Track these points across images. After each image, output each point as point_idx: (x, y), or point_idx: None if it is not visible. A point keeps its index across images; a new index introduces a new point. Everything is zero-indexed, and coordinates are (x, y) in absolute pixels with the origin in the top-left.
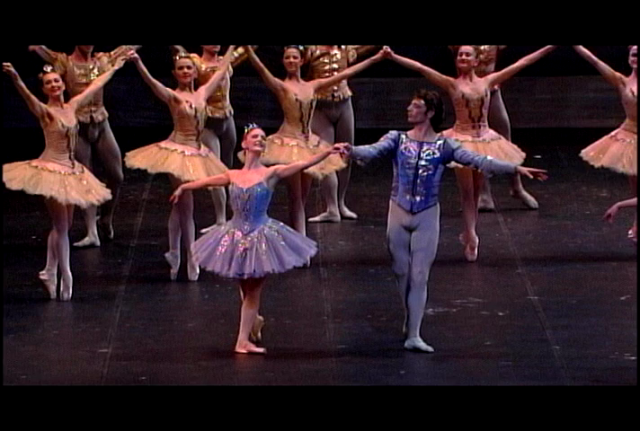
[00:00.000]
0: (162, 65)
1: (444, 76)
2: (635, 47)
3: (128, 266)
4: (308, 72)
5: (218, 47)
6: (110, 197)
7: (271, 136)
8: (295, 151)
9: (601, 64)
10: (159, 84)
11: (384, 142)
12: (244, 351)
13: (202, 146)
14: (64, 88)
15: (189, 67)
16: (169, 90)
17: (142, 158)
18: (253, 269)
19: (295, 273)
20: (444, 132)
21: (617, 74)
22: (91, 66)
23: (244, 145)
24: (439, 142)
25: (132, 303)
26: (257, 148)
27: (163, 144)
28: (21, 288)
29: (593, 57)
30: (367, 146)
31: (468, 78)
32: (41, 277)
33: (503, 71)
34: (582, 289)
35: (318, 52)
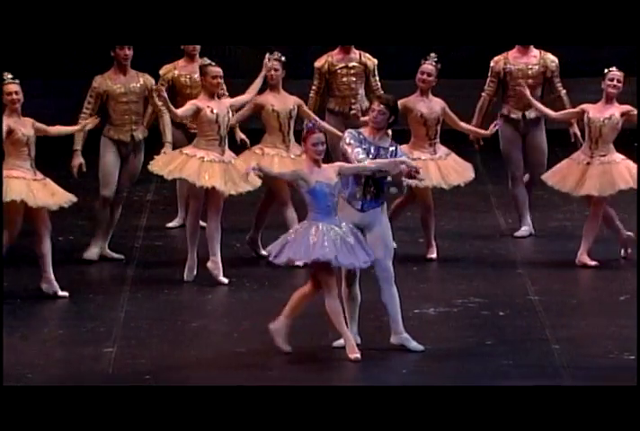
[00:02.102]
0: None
1: (402, 100)
2: (614, 71)
3: (132, 266)
4: (330, 83)
5: (198, 48)
6: (74, 199)
7: (252, 147)
8: (275, 160)
9: (563, 113)
10: (183, 110)
11: (360, 149)
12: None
13: (227, 152)
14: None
15: (221, 77)
16: (189, 107)
17: (162, 164)
18: (367, 259)
19: (295, 274)
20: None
21: (578, 109)
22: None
23: (304, 147)
24: (391, 148)
25: (137, 302)
26: (317, 157)
27: (185, 149)
28: (26, 287)
29: (552, 113)
30: (367, 164)
31: (425, 97)
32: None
33: (451, 119)
34: (582, 289)
35: (337, 64)
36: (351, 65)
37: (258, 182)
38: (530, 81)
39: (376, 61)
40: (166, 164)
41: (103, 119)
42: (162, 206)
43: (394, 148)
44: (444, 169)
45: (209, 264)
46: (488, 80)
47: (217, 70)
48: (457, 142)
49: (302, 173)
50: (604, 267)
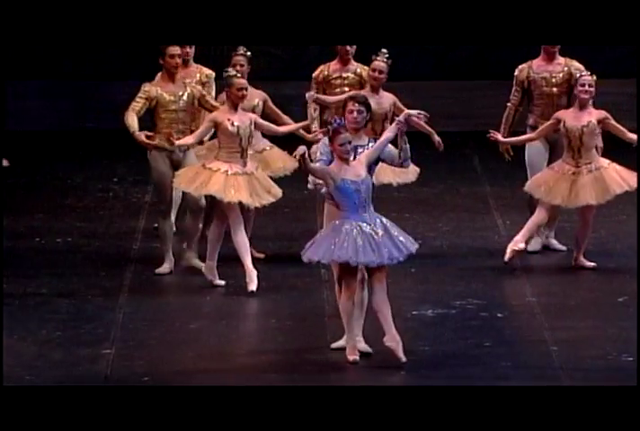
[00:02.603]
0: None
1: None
2: (584, 76)
3: (131, 267)
4: (325, 93)
5: (192, 53)
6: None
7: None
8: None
9: (540, 130)
10: (201, 133)
11: (321, 164)
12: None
13: (249, 162)
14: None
15: (246, 89)
16: (207, 126)
17: (188, 180)
18: (397, 255)
19: (296, 274)
20: None
21: (553, 120)
22: None
23: (331, 147)
24: (370, 144)
25: (135, 304)
26: (345, 156)
27: (207, 163)
28: (24, 290)
29: (526, 137)
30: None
31: (375, 93)
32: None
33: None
34: (580, 291)
35: (332, 74)
36: (345, 75)
37: (280, 193)
38: (555, 89)
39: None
40: (192, 181)
41: (148, 129)
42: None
43: (373, 143)
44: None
45: (205, 269)
46: (513, 89)
47: (243, 82)
48: (455, 143)
49: (330, 171)
50: (602, 268)
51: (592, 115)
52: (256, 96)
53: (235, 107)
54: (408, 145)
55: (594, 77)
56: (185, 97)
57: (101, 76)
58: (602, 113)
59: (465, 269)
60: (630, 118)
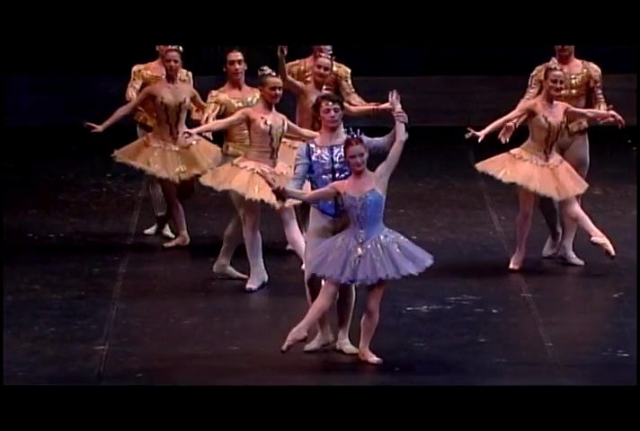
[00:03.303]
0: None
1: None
2: (555, 72)
3: (124, 263)
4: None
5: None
6: None
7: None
8: (155, 153)
9: (516, 116)
10: (232, 120)
11: (301, 167)
12: (291, 341)
13: (279, 163)
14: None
15: (280, 88)
16: (239, 116)
17: (213, 176)
18: (366, 276)
19: (292, 272)
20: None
21: (528, 107)
22: None
23: (346, 159)
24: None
25: (128, 300)
26: (359, 169)
27: (236, 161)
28: (17, 286)
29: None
30: (292, 183)
31: (319, 90)
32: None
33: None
34: (576, 286)
35: (308, 71)
36: None
37: None
38: (574, 91)
39: (349, 70)
40: (215, 176)
41: (219, 139)
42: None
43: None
44: None
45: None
46: (528, 88)
47: (277, 81)
48: (450, 139)
49: (332, 189)
50: (597, 264)
51: (560, 108)
52: (184, 91)
53: (269, 106)
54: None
55: (562, 72)
56: (255, 103)
57: (94, 72)
58: (564, 104)
59: (460, 265)
60: (630, 115)
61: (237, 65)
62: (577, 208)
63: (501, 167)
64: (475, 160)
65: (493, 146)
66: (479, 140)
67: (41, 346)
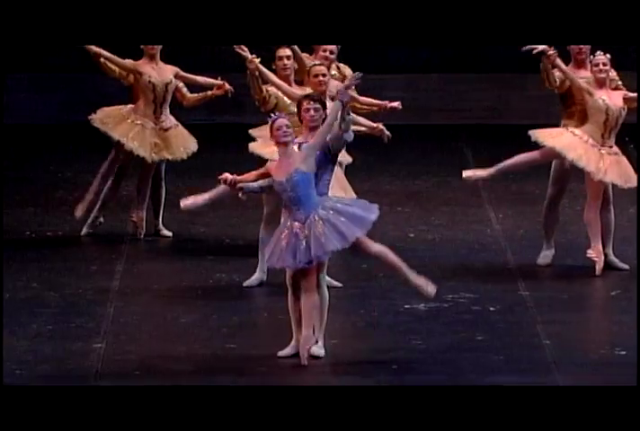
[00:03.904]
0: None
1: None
2: (598, 56)
3: (121, 261)
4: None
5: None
6: None
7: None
8: (136, 129)
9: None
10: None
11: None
12: (305, 353)
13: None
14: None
15: (324, 75)
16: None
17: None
18: (318, 253)
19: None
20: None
21: (585, 88)
22: None
23: (272, 139)
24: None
25: (126, 298)
26: (285, 139)
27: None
28: (15, 284)
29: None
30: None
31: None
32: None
33: None
34: (573, 284)
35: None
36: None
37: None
38: None
39: (349, 70)
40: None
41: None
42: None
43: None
44: None
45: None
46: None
47: (320, 69)
48: (447, 136)
49: (269, 177)
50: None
51: (619, 95)
52: (169, 72)
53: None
54: (351, 117)
55: (606, 56)
56: None
57: (91, 69)
58: (624, 92)
59: (457, 263)
60: (630, 114)
61: (286, 61)
62: (594, 215)
63: (550, 136)
64: (473, 158)
65: (491, 145)
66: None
67: (39, 343)
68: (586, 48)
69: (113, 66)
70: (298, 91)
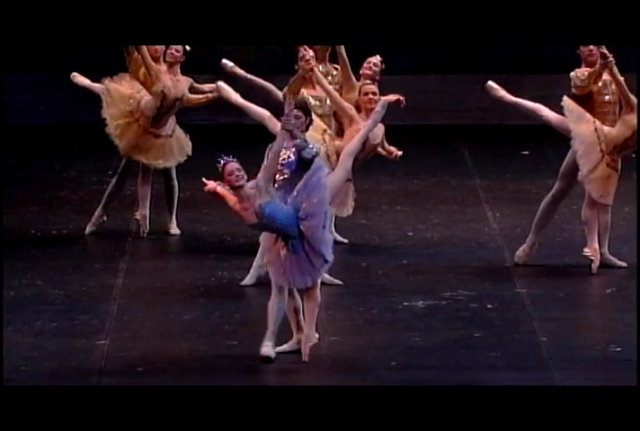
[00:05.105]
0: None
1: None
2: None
3: (125, 259)
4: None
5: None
6: None
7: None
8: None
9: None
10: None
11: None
12: (308, 349)
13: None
14: None
15: (374, 94)
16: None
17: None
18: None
19: None
20: None
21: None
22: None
23: (226, 184)
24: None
25: (129, 295)
26: (239, 183)
27: None
28: (20, 281)
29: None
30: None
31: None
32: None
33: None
34: (570, 282)
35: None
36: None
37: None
38: (615, 97)
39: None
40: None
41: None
42: (154, 199)
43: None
44: None
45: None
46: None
47: (371, 87)
48: (445, 136)
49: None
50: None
51: None
52: (183, 84)
53: (365, 112)
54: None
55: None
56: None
57: (94, 69)
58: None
59: (455, 261)
60: None
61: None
62: (593, 213)
63: (578, 116)
64: (471, 158)
65: (490, 145)
66: None
67: (43, 340)
68: (596, 49)
69: (139, 63)
70: (347, 103)
